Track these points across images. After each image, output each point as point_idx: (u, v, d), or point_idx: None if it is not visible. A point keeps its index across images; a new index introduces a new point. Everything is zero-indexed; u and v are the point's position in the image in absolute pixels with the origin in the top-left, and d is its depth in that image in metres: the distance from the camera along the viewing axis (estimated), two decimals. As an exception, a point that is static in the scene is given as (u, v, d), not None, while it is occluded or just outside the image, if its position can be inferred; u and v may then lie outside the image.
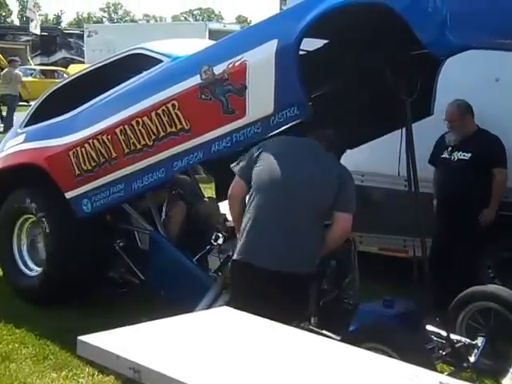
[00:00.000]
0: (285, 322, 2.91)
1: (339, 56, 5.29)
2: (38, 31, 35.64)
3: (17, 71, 19.69)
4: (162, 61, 5.59)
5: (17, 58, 20.85)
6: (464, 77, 6.15)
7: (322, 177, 4.43)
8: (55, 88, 6.74)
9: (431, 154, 6.27)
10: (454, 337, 4.66)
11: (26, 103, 24.56)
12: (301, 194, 4.32)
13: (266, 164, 4.39)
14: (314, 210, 4.35)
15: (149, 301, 5.60)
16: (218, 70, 4.88)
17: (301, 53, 4.76)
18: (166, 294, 5.51)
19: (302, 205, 4.31)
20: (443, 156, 6.22)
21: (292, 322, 3.78)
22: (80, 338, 2.40)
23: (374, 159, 6.55)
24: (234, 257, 4.42)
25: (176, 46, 6.00)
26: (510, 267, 6.24)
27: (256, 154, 4.44)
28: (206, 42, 6.41)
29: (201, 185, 7.12)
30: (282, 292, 4.21)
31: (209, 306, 4.82)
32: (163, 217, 5.81)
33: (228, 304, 4.53)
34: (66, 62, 36.00)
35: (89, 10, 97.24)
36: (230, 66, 4.83)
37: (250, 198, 4.40)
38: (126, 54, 6.08)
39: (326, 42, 5.44)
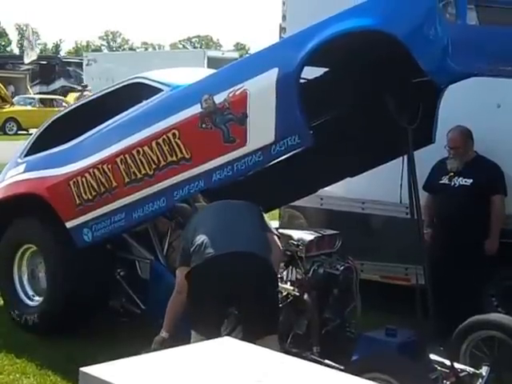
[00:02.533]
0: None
1: (340, 84, 5.30)
2: (35, 56, 35.73)
3: None
4: (162, 90, 5.60)
5: None
6: (465, 103, 6.16)
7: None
8: (55, 118, 6.74)
9: (427, 179, 6.23)
10: (457, 366, 4.61)
11: (25, 132, 24.63)
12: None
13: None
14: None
15: (150, 330, 5.55)
16: (219, 98, 4.89)
17: (301, 81, 4.77)
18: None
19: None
20: (442, 182, 6.18)
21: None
22: (82, 369, 2.37)
23: (375, 187, 6.54)
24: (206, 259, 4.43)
25: (176, 74, 6.01)
26: (513, 295, 6.22)
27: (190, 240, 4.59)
28: (205, 71, 6.43)
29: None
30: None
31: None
32: (164, 246, 5.78)
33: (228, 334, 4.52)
34: (65, 91, 36.21)
35: (88, 39, 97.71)
36: (231, 94, 4.83)
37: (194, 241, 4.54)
38: (126, 83, 6.09)
39: (326, 69, 5.45)
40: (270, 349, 2.83)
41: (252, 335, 4.08)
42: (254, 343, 2.87)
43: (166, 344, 4.45)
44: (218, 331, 4.33)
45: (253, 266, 4.41)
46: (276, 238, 4.77)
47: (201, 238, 4.47)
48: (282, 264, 5.11)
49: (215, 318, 4.44)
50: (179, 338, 4.16)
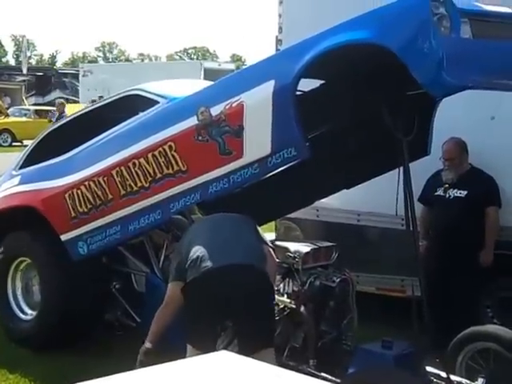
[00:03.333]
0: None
1: (336, 96, 5.31)
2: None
3: None
4: (158, 102, 5.60)
5: None
6: (460, 115, 6.17)
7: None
8: (51, 130, 6.75)
9: (423, 191, 6.24)
10: (453, 378, 4.61)
11: (20, 143, 24.55)
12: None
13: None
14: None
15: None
16: (215, 111, 4.89)
17: (297, 93, 4.78)
18: (163, 336, 5.45)
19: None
20: (437, 194, 6.20)
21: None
22: (76, 385, 2.36)
23: (370, 198, 6.54)
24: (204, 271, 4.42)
25: (172, 86, 6.01)
26: (508, 306, 6.21)
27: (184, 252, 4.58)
28: (202, 83, 6.43)
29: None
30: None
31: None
32: (161, 259, 5.76)
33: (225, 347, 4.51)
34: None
35: (84, 50, 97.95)
36: (227, 106, 4.84)
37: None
38: (123, 95, 6.09)
39: (322, 82, 5.46)
40: (267, 362, 2.81)
41: (248, 349, 4.06)
42: (251, 357, 2.85)
43: (149, 355, 4.49)
44: (214, 345, 4.32)
45: (251, 278, 4.40)
46: (271, 250, 4.76)
47: (196, 252, 4.45)
48: (279, 276, 5.11)
49: (212, 332, 4.43)
50: (165, 349, 4.17)
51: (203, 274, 4.36)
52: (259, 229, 4.90)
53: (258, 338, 4.34)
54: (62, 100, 19.57)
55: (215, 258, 4.40)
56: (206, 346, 4.06)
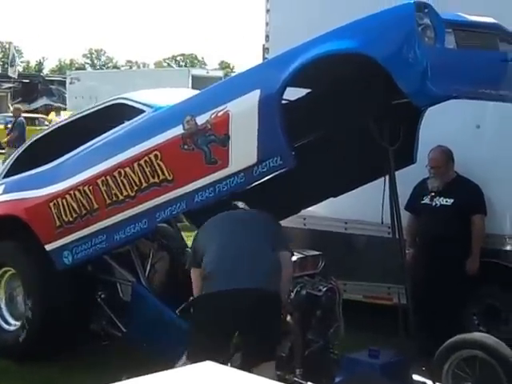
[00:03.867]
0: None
1: (322, 105, 5.32)
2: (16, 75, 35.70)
3: None
4: (144, 111, 5.59)
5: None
6: (445, 124, 6.19)
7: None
8: (36, 138, 6.71)
9: (409, 199, 6.25)
10: (440, 386, 4.61)
11: (2, 150, 24.37)
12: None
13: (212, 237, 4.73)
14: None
15: (131, 354, 5.52)
16: (201, 120, 4.89)
17: (283, 102, 4.78)
18: (149, 346, 5.43)
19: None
20: (423, 202, 6.21)
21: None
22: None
23: (357, 207, 6.55)
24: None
25: (158, 95, 6.01)
26: (494, 314, 6.23)
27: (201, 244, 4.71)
28: (188, 92, 6.43)
29: (183, 233, 7.09)
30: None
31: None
32: (147, 268, 5.75)
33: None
34: (47, 109, 36.09)
35: (71, 57, 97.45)
36: (213, 116, 4.84)
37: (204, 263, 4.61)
38: (108, 103, 6.08)
39: (309, 90, 5.47)
40: (267, 375, 2.82)
41: (250, 364, 4.13)
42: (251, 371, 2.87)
43: None
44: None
45: (254, 303, 4.40)
46: (288, 255, 4.77)
47: (206, 264, 4.54)
48: None
49: (211, 353, 4.37)
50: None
51: (206, 295, 4.47)
52: (279, 228, 4.96)
53: (260, 354, 4.38)
54: (18, 105, 19.30)
55: (220, 279, 4.46)
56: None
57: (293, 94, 5.22)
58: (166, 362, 4.12)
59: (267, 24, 7.47)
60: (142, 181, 5.20)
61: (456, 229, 6.03)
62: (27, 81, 39.47)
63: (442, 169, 6.13)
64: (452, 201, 6.08)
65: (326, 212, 6.81)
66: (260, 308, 4.40)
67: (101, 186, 5.43)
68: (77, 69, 77.07)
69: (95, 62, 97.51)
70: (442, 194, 6.14)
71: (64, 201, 5.66)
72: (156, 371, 2.57)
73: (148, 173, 5.16)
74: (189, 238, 7.27)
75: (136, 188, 5.24)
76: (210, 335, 4.40)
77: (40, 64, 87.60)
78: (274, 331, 4.55)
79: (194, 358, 4.24)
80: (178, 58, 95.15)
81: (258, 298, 4.41)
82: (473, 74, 4.34)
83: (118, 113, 5.84)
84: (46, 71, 76.94)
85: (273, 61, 5.34)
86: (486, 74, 4.43)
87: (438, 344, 4.94)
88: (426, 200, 6.21)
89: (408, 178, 5.73)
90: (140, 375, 2.56)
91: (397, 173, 4.90)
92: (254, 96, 4.68)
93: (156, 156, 5.12)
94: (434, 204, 6.16)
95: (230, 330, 4.43)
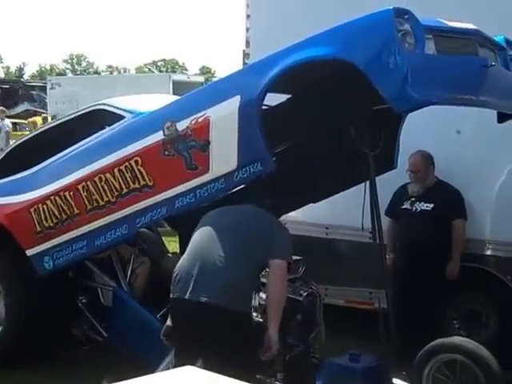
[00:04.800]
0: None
1: (302, 110, 5.34)
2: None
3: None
4: (124, 117, 5.59)
5: None
6: (426, 129, 6.24)
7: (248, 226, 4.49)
8: (16, 144, 6.70)
9: (389, 205, 6.28)
10: (420, 390, 4.63)
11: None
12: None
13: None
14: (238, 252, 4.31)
15: (112, 358, 5.50)
16: (181, 125, 4.89)
17: (263, 107, 4.79)
18: (130, 351, 5.42)
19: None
20: (404, 207, 6.24)
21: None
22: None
23: (338, 212, 6.57)
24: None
25: (138, 101, 6.00)
26: (474, 318, 6.27)
27: None
28: (168, 98, 6.43)
29: (164, 238, 7.08)
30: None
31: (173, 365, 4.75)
32: (127, 273, 5.74)
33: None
34: (28, 115, 35.85)
35: (52, 62, 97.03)
36: (194, 121, 4.84)
37: None
38: (89, 109, 6.07)
39: (289, 96, 5.49)
40: None
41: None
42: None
43: None
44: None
45: (213, 319, 4.13)
46: (275, 263, 4.34)
47: (179, 265, 4.34)
48: None
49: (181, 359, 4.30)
50: None
51: (172, 299, 4.31)
52: (278, 233, 4.51)
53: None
54: (2, 108, 18.97)
55: (185, 286, 4.20)
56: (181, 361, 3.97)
57: (273, 99, 5.24)
58: (147, 366, 4.11)
59: (247, 29, 7.49)
60: (123, 186, 5.19)
61: (436, 234, 6.05)
62: (7, 86, 39.19)
63: (422, 173, 6.16)
64: (432, 205, 6.11)
65: (307, 217, 6.83)
66: (209, 323, 4.15)
67: (81, 191, 5.42)
68: (57, 74, 76.72)
69: (76, 67, 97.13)
70: (422, 199, 6.17)
71: (45, 206, 5.65)
72: (137, 376, 2.57)
73: (129, 178, 5.16)
74: (170, 243, 7.28)
75: (117, 193, 5.23)
76: (174, 341, 4.35)
77: (20, 70, 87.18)
78: (223, 347, 4.11)
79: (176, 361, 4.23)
80: (159, 64, 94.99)
81: (217, 316, 4.14)
82: (453, 79, 4.36)
83: (98, 119, 5.84)
84: (26, 77, 76.56)
85: (253, 67, 5.35)
86: (466, 80, 4.44)
87: (418, 348, 4.97)
88: (407, 205, 6.24)
89: (388, 184, 5.76)
90: (121, 380, 2.57)
91: (377, 178, 4.93)
92: (235, 102, 4.68)
93: (136, 162, 5.12)
94: (414, 209, 6.19)
95: (185, 338, 4.25)
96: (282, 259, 4.40)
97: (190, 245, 4.45)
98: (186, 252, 4.44)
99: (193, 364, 4.19)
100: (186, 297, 4.18)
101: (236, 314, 4.16)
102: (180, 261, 4.43)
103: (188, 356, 4.04)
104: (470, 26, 4.70)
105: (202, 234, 4.44)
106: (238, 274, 4.22)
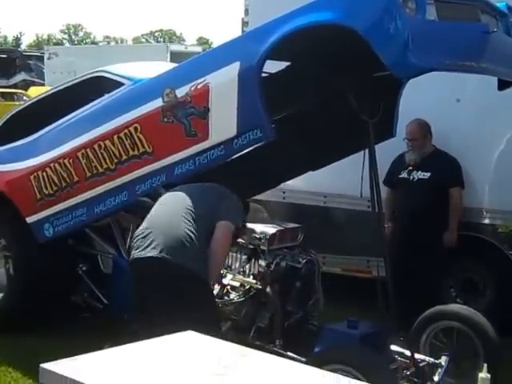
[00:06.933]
0: None
1: (302, 78, 5.32)
2: None
3: None
4: (123, 84, 5.57)
5: None
6: (425, 97, 6.23)
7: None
8: (15, 112, 6.67)
9: (387, 174, 6.30)
10: (417, 356, 4.67)
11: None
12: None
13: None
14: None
15: (112, 325, 5.53)
16: (181, 92, 4.87)
17: (263, 75, 4.77)
18: (130, 318, 5.45)
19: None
20: (401, 176, 6.26)
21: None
22: (42, 365, 2.34)
23: (336, 180, 6.58)
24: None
25: (137, 68, 5.98)
26: (471, 286, 6.32)
27: None
28: (167, 65, 6.40)
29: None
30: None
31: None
32: (127, 241, 5.75)
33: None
34: (26, 85, 35.67)
35: (49, 32, 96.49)
36: (193, 88, 4.82)
37: None
38: (87, 76, 6.04)
39: (288, 63, 5.46)
40: None
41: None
42: None
43: None
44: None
45: (151, 270, 4.39)
46: (222, 224, 4.49)
47: (137, 232, 4.56)
48: (245, 257, 5.13)
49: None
50: None
51: (130, 261, 4.59)
52: (231, 202, 4.69)
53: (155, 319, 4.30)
54: None
55: (137, 247, 4.46)
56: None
57: (272, 67, 5.22)
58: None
59: (246, -3, 7.44)
60: (122, 153, 5.19)
61: (434, 202, 6.08)
62: (4, 56, 38.93)
63: (420, 141, 6.17)
64: (429, 174, 6.12)
65: (305, 186, 6.85)
66: (155, 274, 4.39)
67: (81, 158, 5.41)
68: (54, 44, 76.24)
69: (73, 37, 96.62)
70: (419, 168, 6.18)
71: (44, 174, 5.65)
72: (137, 341, 2.59)
73: (128, 145, 5.15)
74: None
75: (116, 161, 5.23)
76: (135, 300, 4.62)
77: (17, 39, 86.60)
78: (171, 298, 4.35)
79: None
80: (157, 34, 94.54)
81: (154, 265, 4.37)
82: (454, 45, 4.33)
83: (97, 86, 5.81)
84: (23, 46, 76.13)
85: (252, 33, 5.30)
86: (467, 46, 4.42)
87: (416, 315, 5.01)
88: (404, 174, 6.25)
89: (386, 153, 5.76)
90: (122, 344, 2.59)
91: (376, 147, 4.92)
92: (234, 68, 4.66)
93: (136, 128, 5.11)
94: (411, 178, 6.20)
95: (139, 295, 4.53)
96: (228, 221, 4.53)
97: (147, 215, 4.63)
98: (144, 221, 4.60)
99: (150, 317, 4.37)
100: (138, 255, 4.41)
101: (176, 266, 4.32)
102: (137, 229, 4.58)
103: (143, 309, 4.49)
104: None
105: (158, 204, 4.68)
106: (184, 233, 4.37)
